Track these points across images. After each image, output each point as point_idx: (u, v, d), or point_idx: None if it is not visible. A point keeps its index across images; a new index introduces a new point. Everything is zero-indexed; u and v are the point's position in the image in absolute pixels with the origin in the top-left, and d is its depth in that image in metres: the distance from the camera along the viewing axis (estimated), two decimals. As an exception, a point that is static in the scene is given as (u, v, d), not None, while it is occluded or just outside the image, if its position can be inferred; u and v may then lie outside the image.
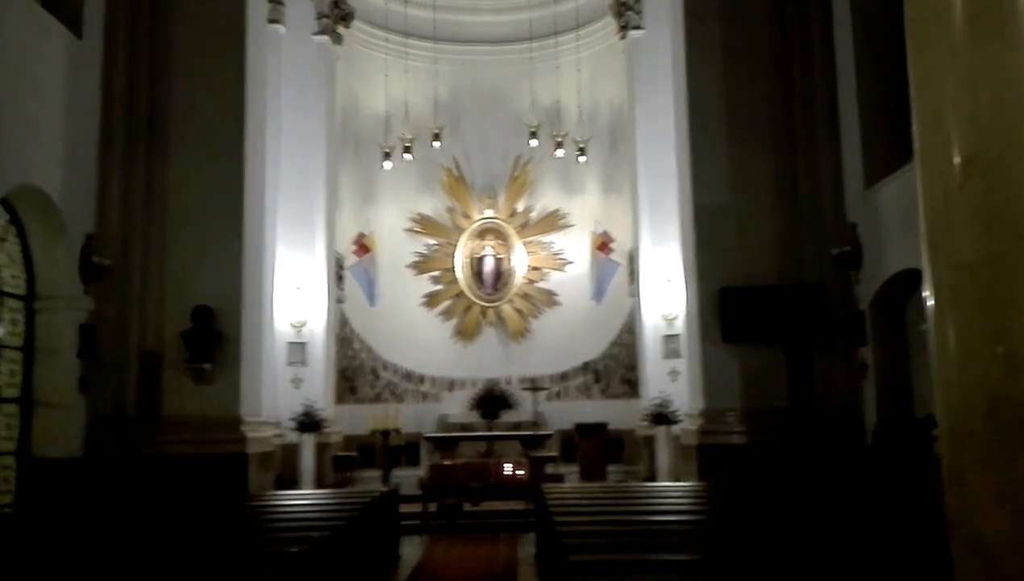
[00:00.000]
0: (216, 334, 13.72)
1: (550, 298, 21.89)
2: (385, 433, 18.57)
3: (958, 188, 3.48)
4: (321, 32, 19.51)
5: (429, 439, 19.28)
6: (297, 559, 6.13)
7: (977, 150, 3.44)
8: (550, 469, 17.05)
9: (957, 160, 3.50)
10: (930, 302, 3.68)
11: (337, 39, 19.95)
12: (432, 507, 14.93)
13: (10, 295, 12.30)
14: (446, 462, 16.33)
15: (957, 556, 3.48)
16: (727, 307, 14.18)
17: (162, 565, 6.11)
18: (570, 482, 16.66)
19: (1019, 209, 3.36)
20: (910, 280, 12.38)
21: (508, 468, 15.57)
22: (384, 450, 18.50)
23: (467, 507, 15.22)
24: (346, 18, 20.25)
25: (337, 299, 19.74)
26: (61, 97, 12.71)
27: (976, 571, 3.37)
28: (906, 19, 3.84)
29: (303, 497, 11.75)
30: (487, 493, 15.27)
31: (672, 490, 11.74)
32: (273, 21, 17.83)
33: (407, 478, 16.83)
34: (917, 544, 6.40)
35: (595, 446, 18.04)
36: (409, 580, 11.04)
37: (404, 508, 13.69)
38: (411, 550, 12.91)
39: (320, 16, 19.53)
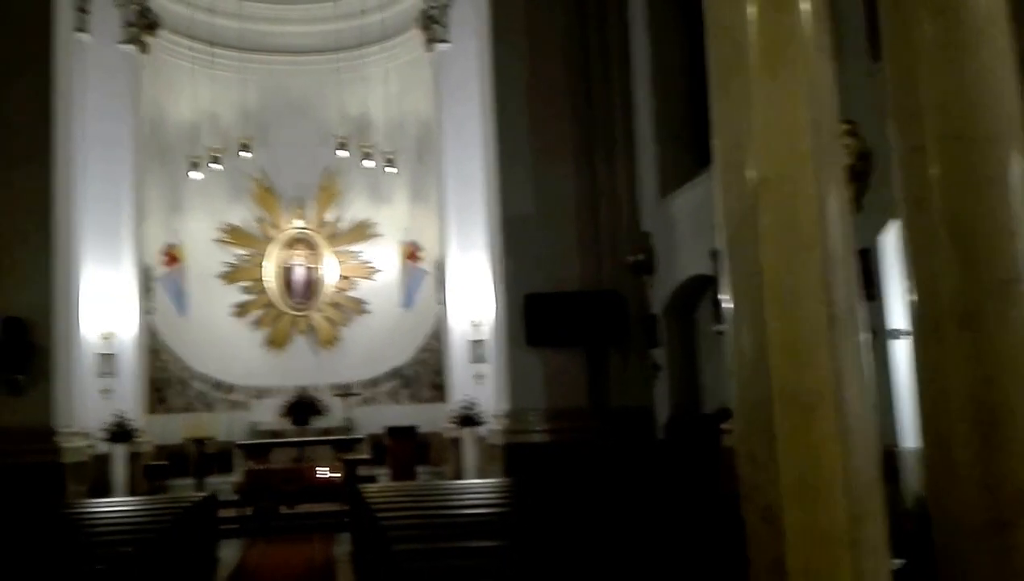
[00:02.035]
0: (27, 345, 13.37)
1: (359, 306, 21.91)
2: (199, 441, 18.32)
3: (751, 206, 3.93)
4: (127, 41, 19.06)
5: (241, 446, 19.09)
6: (124, 560, 6.21)
7: (768, 173, 3.91)
8: (362, 471, 17.18)
9: (751, 182, 3.95)
10: (728, 305, 4.13)
11: (143, 48, 19.49)
12: (248, 511, 14.88)
13: None
14: (259, 467, 16.28)
15: (749, 523, 3.93)
16: (532, 312, 14.66)
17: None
18: (382, 483, 16.84)
19: (802, 223, 3.84)
20: (699, 285, 13.11)
21: (322, 471, 15.68)
22: (198, 458, 18.25)
23: (283, 510, 15.24)
24: (152, 27, 19.78)
25: (146, 310, 19.33)
26: None
27: (765, 534, 3.82)
28: (708, 53, 4.27)
29: (124, 504, 11.61)
30: (302, 496, 15.38)
31: (479, 486, 12.15)
32: (79, 30, 17.34)
33: (221, 485, 16.65)
34: (705, 524, 6.96)
35: (405, 448, 18.23)
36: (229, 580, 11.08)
37: (220, 513, 13.64)
38: (230, 552, 12.88)
39: (127, 24, 19.04)
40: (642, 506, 8.71)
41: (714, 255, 10.12)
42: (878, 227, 8.45)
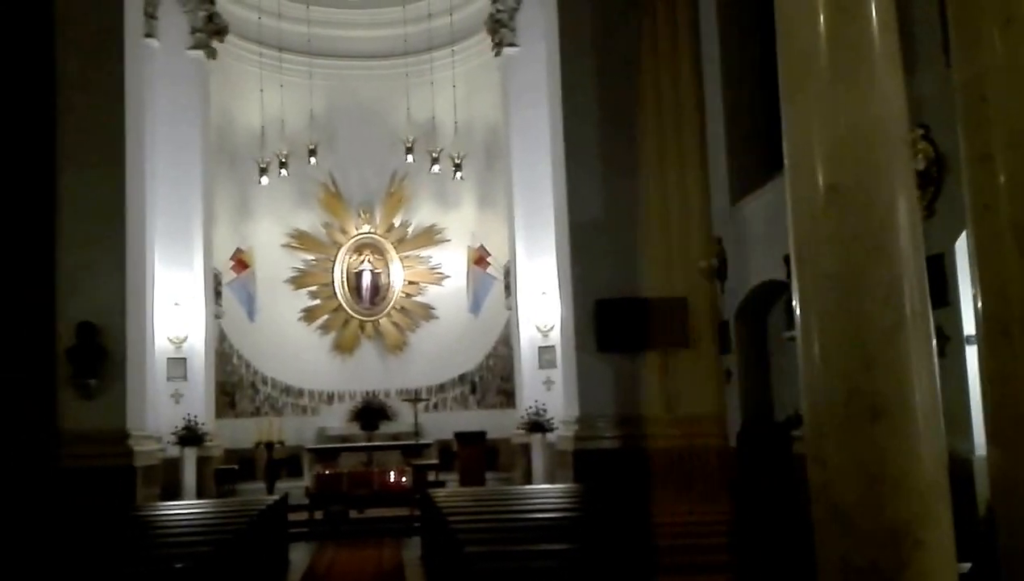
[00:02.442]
0: (100, 350, 13.77)
1: (427, 312, 22.20)
2: (269, 445, 18.70)
3: (822, 212, 4.09)
4: (195, 47, 19.48)
5: (311, 451, 19.50)
6: (203, 559, 6.49)
7: (838, 179, 4.06)
8: (431, 477, 17.45)
9: (821, 187, 4.11)
10: (797, 309, 4.29)
11: (211, 53, 19.90)
12: (318, 515, 15.21)
13: None
14: (329, 472, 16.61)
15: (818, 522, 4.09)
16: (602, 318, 14.77)
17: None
18: (451, 488, 17.08)
19: (870, 229, 3.99)
20: (772, 291, 13.14)
21: (392, 476, 15.97)
22: (268, 462, 18.64)
23: (352, 514, 15.54)
24: (220, 32, 20.15)
25: (215, 315, 19.79)
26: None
27: (833, 533, 3.98)
28: (779, 61, 4.43)
29: (197, 507, 11.95)
30: (371, 500, 15.68)
31: (549, 492, 12.32)
32: (147, 35, 17.81)
33: (290, 489, 17.01)
34: (775, 528, 7.07)
35: (474, 453, 18.46)
36: (301, 583, 11.39)
37: (291, 517, 13.96)
38: (300, 556, 13.19)
39: (194, 31, 19.45)
40: (711, 512, 8.82)
41: (787, 260, 10.15)
42: (952, 232, 8.46)
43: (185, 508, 11.66)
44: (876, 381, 3.93)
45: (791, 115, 4.36)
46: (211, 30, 19.84)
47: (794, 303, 4.34)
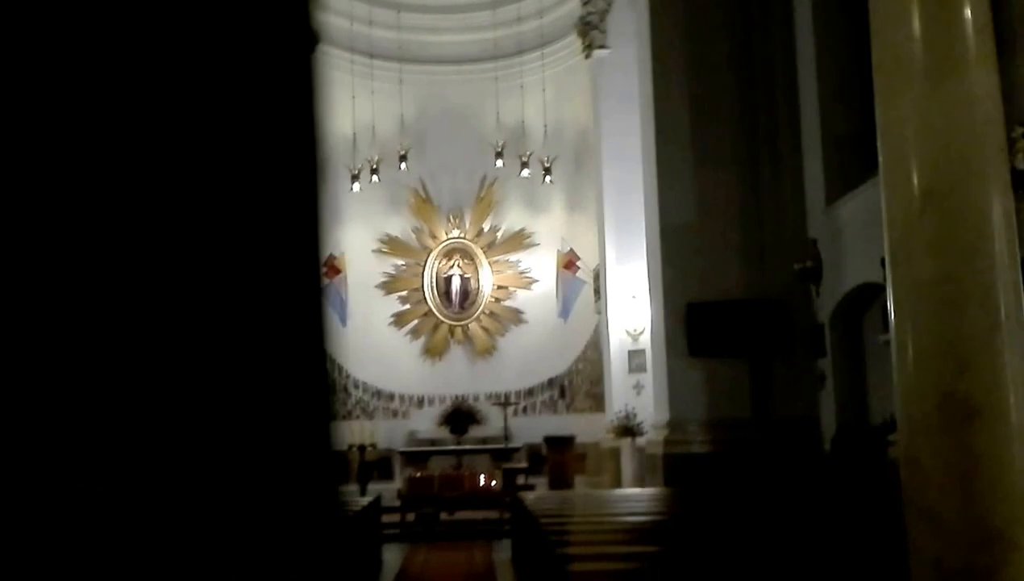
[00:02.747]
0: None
1: (516, 316, 22.37)
2: (362, 448, 19.01)
3: (917, 216, 4.16)
4: (290, 55, 19.79)
5: (403, 453, 19.81)
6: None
7: (933, 184, 4.13)
8: (520, 480, 17.59)
9: (917, 192, 4.17)
10: (892, 313, 4.35)
11: (306, 62, 20.25)
12: (410, 517, 15.46)
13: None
14: (420, 474, 16.86)
15: (911, 524, 4.15)
16: (693, 322, 14.71)
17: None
18: (540, 491, 17.19)
19: (967, 235, 4.05)
20: (867, 294, 12.98)
21: (482, 479, 16.16)
22: (360, 465, 18.93)
23: (443, 516, 15.75)
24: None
25: (308, 319, 20.07)
26: None
27: (926, 534, 4.04)
28: (873, 65, 4.50)
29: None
30: (462, 503, 15.85)
31: (639, 495, 12.38)
32: (243, 45, 18.16)
33: (382, 491, 17.28)
34: (870, 533, 7.07)
35: (563, 457, 18.55)
36: (394, 583, 11.61)
37: (383, 518, 14.21)
38: (392, 556, 13.43)
39: (289, 40, 19.81)
40: (806, 517, 8.82)
41: (884, 263, 10.05)
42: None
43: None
44: (970, 384, 4.00)
45: (886, 120, 4.43)
46: (304, 39, 20.12)
47: (889, 307, 4.40)
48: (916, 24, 4.27)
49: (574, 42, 21.15)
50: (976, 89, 4.17)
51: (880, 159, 4.43)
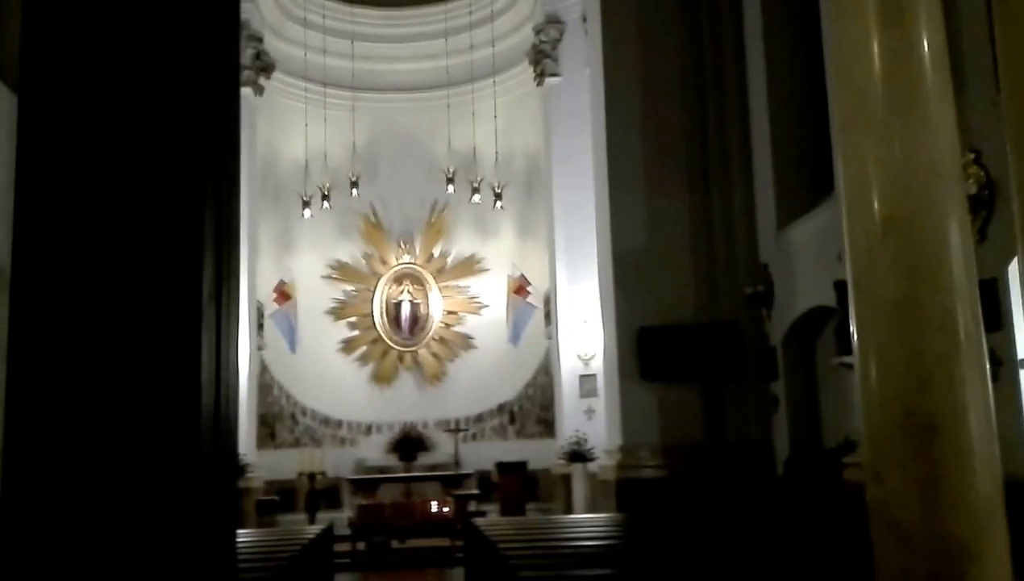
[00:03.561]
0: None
1: (466, 341, 22.42)
2: (311, 476, 18.94)
3: (879, 241, 4.38)
4: (243, 83, 19.83)
5: (352, 481, 19.73)
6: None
7: (894, 210, 4.35)
8: (472, 507, 17.62)
9: (878, 217, 4.39)
10: (855, 333, 4.56)
11: (259, 90, 20.32)
12: (361, 545, 15.44)
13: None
14: (371, 502, 16.85)
15: (876, 538, 4.35)
16: (645, 346, 14.79)
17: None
18: (493, 517, 17.24)
19: (927, 259, 4.28)
20: (819, 317, 13.18)
21: (434, 506, 16.19)
22: (310, 493, 18.88)
23: (395, 544, 15.74)
24: (267, 69, 20.55)
25: (258, 346, 20.09)
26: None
27: (892, 547, 4.25)
28: (830, 98, 4.76)
29: (244, 537, 12.18)
30: (414, 531, 15.85)
31: (593, 520, 12.46)
32: (195, 73, 18.12)
33: (331, 520, 17.26)
34: (832, 557, 7.28)
35: (515, 483, 18.57)
36: (349, 613, 11.61)
37: (334, 548, 14.17)
38: (345, 587, 13.43)
39: (242, 68, 19.84)
40: (760, 539, 8.99)
41: (838, 286, 10.28)
42: (1005, 256, 8.54)
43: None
44: (931, 401, 4.21)
45: (846, 149, 4.66)
46: (258, 67, 20.23)
47: (852, 328, 4.61)
48: (876, 60, 4.50)
49: (526, 70, 21.41)
50: (935, 121, 4.40)
51: (842, 186, 4.65)
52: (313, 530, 12.21)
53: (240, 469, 17.71)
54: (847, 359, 10.00)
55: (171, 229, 2.19)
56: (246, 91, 19.84)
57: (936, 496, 4.12)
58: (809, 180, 13.95)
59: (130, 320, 2.13)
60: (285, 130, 21.60)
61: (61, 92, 2.22)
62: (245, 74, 19.78)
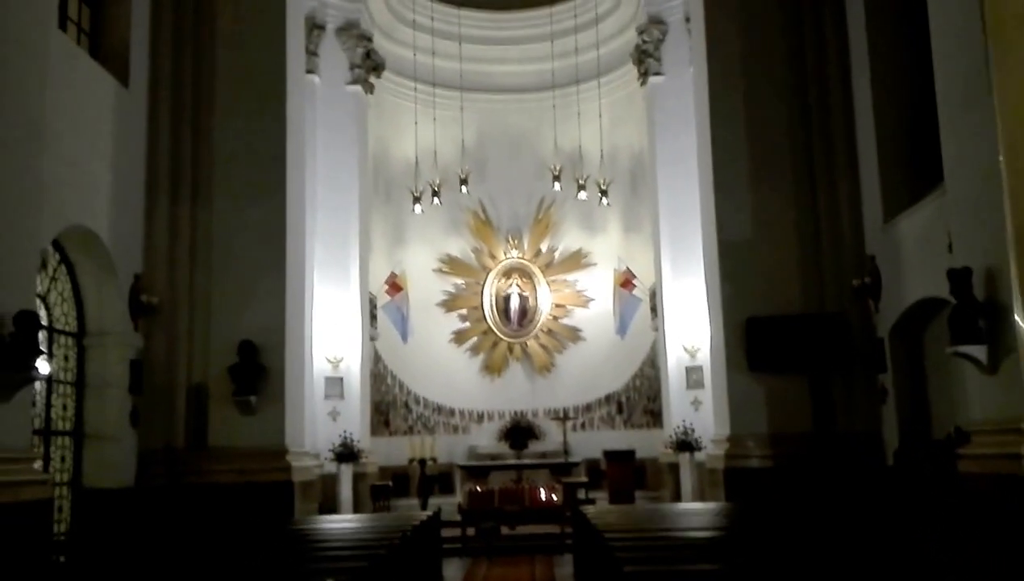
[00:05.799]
0: (260, 368, 13.55)
1: (574, 333, 21.90)
2: (422, 462, 18.51)
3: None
4: (354, 82, 19.60)
5: (464, 468, 19.36)
6: (358, 574, 6.08)
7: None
8: (580, 494, 16.93)
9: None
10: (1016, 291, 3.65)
11: (369, 88, 20.08)
12: (471, 531, 14.81)
13: (62, 332, 12.19)
14: (481, 488, 16.22)
15: None
16: (752, 337, 14.08)
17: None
18: (601, 506, 16.51)
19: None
20: (928, 308, 12.28)
21: (543, 493, 15.53)
22: (421, 479, 18.44)
23: (504, 531, 15.10)
24: (377, 69, 20.36)
25: (370, 336, 19.75)
26: (109, 142, 12.58)
27: None
28: (987, 27, 3.83)
29: (354, 522, 11.59)
30: (523, 517, 15.28)
31: (702, 510, 11.65)
32: (308, 71, 17.92)
33: (443, 505, 16.66)
34: (939, 547, 6.39)
35: (624, 472, 17.97)
36: (455, 598, 10.95)
37: (443, 533, 13.56)
38: (453, 571, 12.82)
39: (353, 67, 19.58)
40: (871, 531, 8.09)
41: (951, 276, 9.29)
42: None
43: (341, 523, 11.32)
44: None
45: (1003, 80, 3.74)
46: (369, 66, 19.97)
47: (1013, 293, 3.68)
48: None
49: (630, 71, 20.90)
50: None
51: (998, 127, 3.75)
52: (422, 516, 11.58)
53: (354, 454, 17.34)
54: (964, 349, 9.10)
55: None
56: (357, 89, 19.66)
57: None
58: (914, 172, 13.12)
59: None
60: (396, 128, 21.39)
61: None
62: (356, 72, 19.60)
